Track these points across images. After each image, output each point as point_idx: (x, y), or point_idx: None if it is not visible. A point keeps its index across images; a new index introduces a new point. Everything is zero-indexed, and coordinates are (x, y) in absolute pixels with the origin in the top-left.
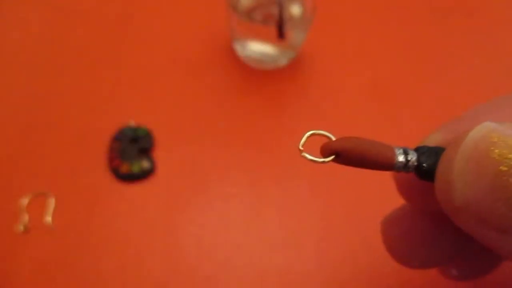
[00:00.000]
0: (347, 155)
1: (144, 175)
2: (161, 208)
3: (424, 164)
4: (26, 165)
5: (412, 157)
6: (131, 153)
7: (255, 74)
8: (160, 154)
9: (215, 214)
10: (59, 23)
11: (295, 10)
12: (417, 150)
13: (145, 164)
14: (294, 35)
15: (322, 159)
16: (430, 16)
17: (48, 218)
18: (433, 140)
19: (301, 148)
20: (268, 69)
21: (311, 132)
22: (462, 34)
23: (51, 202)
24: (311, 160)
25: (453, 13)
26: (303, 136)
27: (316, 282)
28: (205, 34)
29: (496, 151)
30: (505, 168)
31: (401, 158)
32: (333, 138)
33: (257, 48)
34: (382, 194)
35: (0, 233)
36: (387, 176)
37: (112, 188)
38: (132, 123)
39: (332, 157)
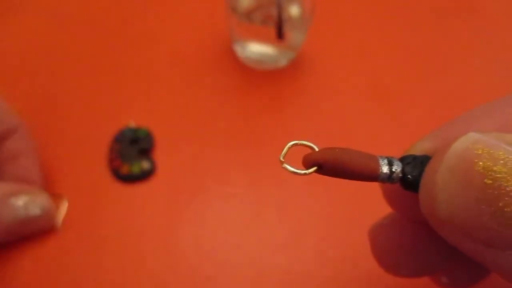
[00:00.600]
0: (329, 167)
1: (144, 176)
2: (161, 209)
3: (409, 176)
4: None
5: (397, 168)
6: (131, 154)
7: (255, 75)
8: (160, 155)
9: (215, 214)
10: (59, 24)
11: (294, 10)
12: (402, 160)
13: (145, 165)
14: (294, 35)
15: (303, 171)
16: (430, 16)
17: (59, 220)
18: (420, 148)
19: (282, 159)
20: (268, 70)
21: (292, 142)
22: (462, 34)
23: (64, 205)
24: (292, 172)
25: (453, 13)
26: (285, 147)
27: (316, 282)
28: (205, 35)
29: (481, 163)
30: (489, 181)
31: (385, 169)
32: (316, 149)
33: (257, 49)
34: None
35: None
36: None
37: (112, 189)
38: (132, 124)
39: (314, 168)
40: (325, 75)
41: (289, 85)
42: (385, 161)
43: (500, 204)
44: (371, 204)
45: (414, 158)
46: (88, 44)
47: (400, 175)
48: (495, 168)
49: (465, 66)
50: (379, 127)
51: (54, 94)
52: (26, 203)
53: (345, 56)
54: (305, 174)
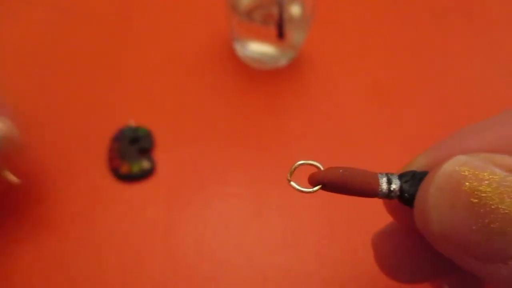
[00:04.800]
0: (332, 185)
1: (144, 175)
2: (161, 208)
3: (406, 194)
4: (25, 164)
5: (395, 186)
6: (131, 153)
7: (255, 74)
8: (160, 154)
9: (215, 214)
10: (59, 23)
11: (295, 10)
12: (401, 177)
13: (145, 164)
14: (294, 35)
15: (308, 190)
16: (430, 16)
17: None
18: (418, 164)
19: (289, 178)
20: (268, 69)
21: (300, 162)
22: (462, 35)
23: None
24: (299, 190)
25: (453, 13)
26: (292, 166)
27: (316, 282)
28: (205, 34)
29: (467, 184)
30: (475, 200)
31: (384, 188)
32: (321, 168)
33: (257, 48)
34: None
35: (1, 233)
36: None
37: (112, 188)
38: (132, 123)
39: (319, 187)
40: (325, 75)
41: (289, 84)
42: (384, 179)
43: (486, 221)
44: (371, 204)
45: (414, 175)
46: (89, 43)
47: (398, 193)
48: (480, 188)
49: (465, 66)
50: (378, 127)
51: (54, 93)
52: None
53: (345, 56)
54: (310, 192)
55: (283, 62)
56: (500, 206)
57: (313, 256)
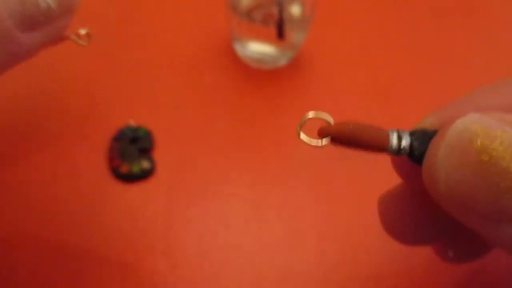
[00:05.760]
0: (342, 140)
1: (144, 175)
2: (161, 208)
3: (415, 151)
4: (25, 164)
5: (405, 143)
6: (131, 153)
7: (255, 74)
8: (160, 154)
9: (215, 214)
10: None
11: (295, 10)
12: (411, 134)
13: (145, 164)
14: (294, 35)
15: (318, 143)
16: (430, 15)
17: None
18: (429, 123)
19: (299, 130)
20: (268, 69)
21: (310, 115)
22: (462, 34)
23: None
24: (308, 143)
25: (453, 13)
26: (302, 118)
27: (316, 282)
28: (205, 34)
29: (479, 141)
30: (486, 158)
31: (394, 143)
32: (332, 122)
33: (257, 48)
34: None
35: (2, 234)
36: (388, 177)
37: (112, 188)
38: (132, 123)
39: (328, 141)
40: (325, 75)
41: (289, 84)
42: (395, 135)
43: (496, 180)
44: (371, 204)
45: (424, 133)
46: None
47: (408, 150)
48: (492, 146)
49: (465, 66)
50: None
51: (54, 92)
52: None
53: (346, 56)
54: (319, 145)
55: (283, 62)
56: (511, 165)
57: (313, 256)
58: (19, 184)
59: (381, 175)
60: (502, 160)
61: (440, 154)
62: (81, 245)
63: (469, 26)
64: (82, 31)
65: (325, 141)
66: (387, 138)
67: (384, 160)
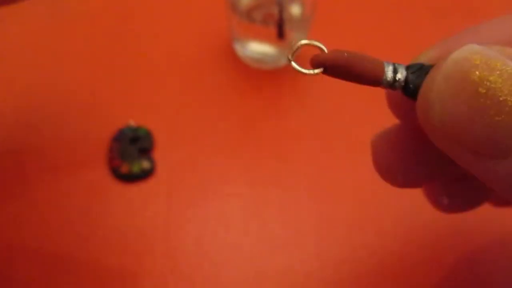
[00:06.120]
0: (336, 69)
1: (144, 175)
2: (161, 208)
3: (410, 85)
4: (25, 164)
5: (401, 76)
6: (131, 153)
7: (255, 74)
8: (160, 154)
9: (215, 214)
10: (59, 22)
11: (295, 10)
12: (408, 68)
13: (145, 164)
14: (294, 35)
15: (310, 71)
16: (430, 16)
17: None
18: (427, 56)
19: (290, 58)
20: (268, 69)
21: (303, 42)
22: None
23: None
24: (299, 71)
25: (453, 13)
26: (294, 46)
27: (316, 282)
28: (205, 34)
29: (477, 72)
30: (483, 90)
31: (389, 76)
32: (326, 50)
33: (257, 48)
34: (383, 193)
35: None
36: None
37: (112, 188)
38: (132, 123)
39: (321, 69)
40: (325, 75)
41: (289, 84)
42: (390, 67)
43: (491, 113)
44: (371, 204)
45: (421, 67)
46: (88, 42)
47: (403, 83)
48: (490, 78)
49: None
50: (379, 127)
51: (54, 92)
52: None
53: None
54: (311, 74)
55: (283, 62)
56: (508, 99)
57: (313, 256)
58: (18, 183)
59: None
60: (499, 92)
61: (436, 86)
62: (81, 245)
63: (469, 26)
64: None
65: (317, 70)
66: (382, 70)
67: None
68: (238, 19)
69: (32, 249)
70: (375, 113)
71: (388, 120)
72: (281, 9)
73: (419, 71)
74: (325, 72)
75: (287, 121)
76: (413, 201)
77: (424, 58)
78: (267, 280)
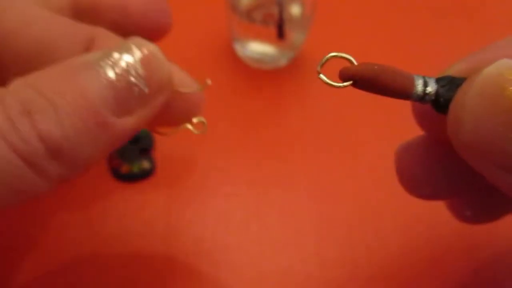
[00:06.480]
0: (365, 82)
1: (144, 175)
2: (161, 208)
3: (441, 99)
4: None
5: (431, 89)
6: (131, 153)
7: (255, 74)
8: (160, 154)
9: (215, 214)
10: None
11: (295, 10)
12: (438, 81)
13: (145, 164)
14: (294, 35)
15: (339, 84)
16: (430, 16)
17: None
18: (457, 69)
19: (318, 70)
20: (268, 69)
21: (332, 54)
22: (462, 34)
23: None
24: (328, 84)
25: (453, 13)
26: (324, 57)
27: (316, 282)
28: (205, 34)
29: (511, 89)
30: None
31: (419, 89)
32: (355, 63)
33: (257, 48)
34: (383, 193)
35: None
36: (388, 176)
37: (112, 188)
38: None
39: (350, 82)
40: (325, 75)
41: (289, 85)
42: (421, 81)
43: None
44: (371, 204)
45: (451, 80)
46: None
47: (433, 97)
48: None
49: None
50: (379, 127)
51: None
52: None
53: None
54: (340, 87)
55: (283, 62)
56: None
57: (313, 256)
58: None
59: (382, 175)
60: None
61: (468, 101)
62: (80, 245)
63: (469, 26)
64: (197, 120)
65: (346, 83)
66: (413, 83)
67: (384, 161)
68: (238, 19)
69: (32, 249)
70: (375, 113)
71: (388, 120)
72: (281, 9)
73: (449, 85)
74: (354, 85)
75: (287, 121)
76: (413, 201)
77: (453, 71)
78: (267, 280)
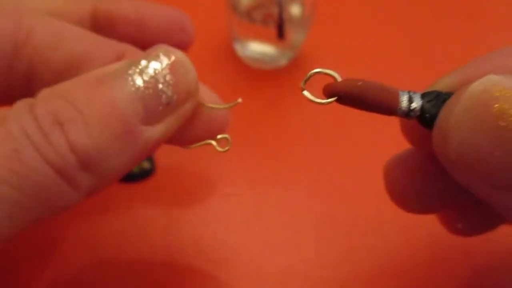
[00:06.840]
0: (349, 98)
1: (144, 175)
2: (161, 208)
3: (427, 114)
4: None
5: (416, 105)
6: None
7: (255, 74)
8: (160, 154)
9: (215, 214)
10: None
11: (295, 10)
12: (423, 96)
13: (145, 164)
14: (294, 35)
15: (323, 101)
16: (430, 16)
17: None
18: (443, 84)
19: (302, 86)
20: (268, 69)
21: (316, 70)
22: (462, 34)
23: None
24: (311, 101)
25: (453, 13)
26: (308, 74)
27: (316, 283)
28: (205, 34)
29: (496, 105)
30: (503, 124)
31: (404, 105)
32: (339, 79)
33: (257, 48)
34: (383, 193)
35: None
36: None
37: (112, 188)
38: None
39: (333, 99)
40: (325, 75)
41: (289, 84)
42: (406, 96)
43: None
44: (371, 204)
45: (437, 95)
46: None
47: (418, 113)
48: (510, 111)
49: None
50: (379, 127)
51: None
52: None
53: (346, 56)
54: (324, 103)
55: (283, 62)
56: None
57: (313, 256)
58: None
59: (382, 175)
60: None
61: (454, 117)
62: (80, 244)
63: (469, 26)
64: (221, 136)
65: (330, 99)
66: (397, 99)
67: (384, 161)
68: (238, 19)
69: (31, 248)
70: (375, 113)
71: (388, 120)
72: (281, 9)
73: (435, 100)
74: (338, 101)
75: (287, 121)
76: None
77: (440, 86)
78: (267, 280)
